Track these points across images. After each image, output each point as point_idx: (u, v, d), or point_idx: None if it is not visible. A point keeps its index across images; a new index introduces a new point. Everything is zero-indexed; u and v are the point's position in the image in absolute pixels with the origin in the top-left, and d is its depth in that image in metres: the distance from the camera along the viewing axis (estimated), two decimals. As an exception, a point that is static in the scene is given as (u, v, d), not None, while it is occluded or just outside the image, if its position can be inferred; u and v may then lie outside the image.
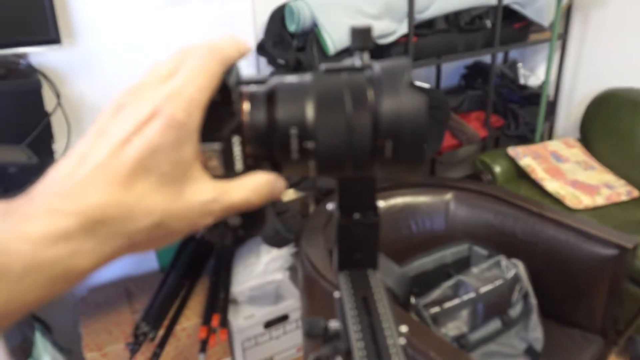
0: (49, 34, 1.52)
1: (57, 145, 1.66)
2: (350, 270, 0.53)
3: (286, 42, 1.95)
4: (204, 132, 0.36)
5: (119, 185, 0.31)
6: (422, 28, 2.08)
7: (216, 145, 0.37)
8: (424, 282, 1.40)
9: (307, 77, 0.41)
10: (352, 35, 0.46)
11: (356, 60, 0.46)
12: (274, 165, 0.41)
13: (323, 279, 1.26)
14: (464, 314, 1.29)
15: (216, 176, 0.38)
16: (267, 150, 0.39)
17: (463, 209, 1.63)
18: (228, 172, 0.38)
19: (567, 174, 2.23)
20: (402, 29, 2.00)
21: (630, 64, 2.44)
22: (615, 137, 2.35)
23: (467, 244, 1.52)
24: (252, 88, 0.41)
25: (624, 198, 2.18)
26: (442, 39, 2.13)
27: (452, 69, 2.71)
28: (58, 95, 1.64)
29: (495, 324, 1.33)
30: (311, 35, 1.86)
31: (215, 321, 1.66)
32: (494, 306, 1.33)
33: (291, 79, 0.41)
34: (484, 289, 1.30)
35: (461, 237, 1.59)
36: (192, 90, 0.35)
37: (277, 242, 1.53)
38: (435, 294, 1.30)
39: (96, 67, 1.78)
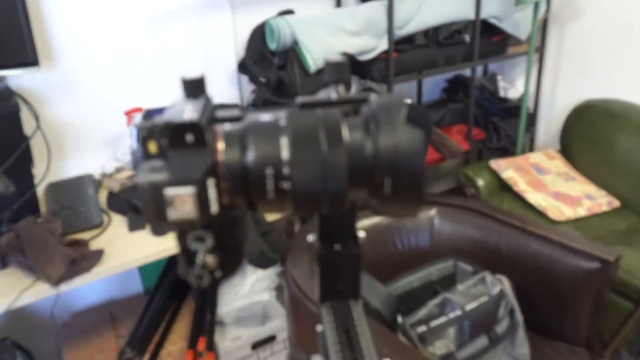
0: (27, 57, 1.50)
1: (37, 169, 1.64)
2: (332, 302, 0.53)
3: (267, 60, 1.95)
4: (177, 174, 0.36)
5: None
6: (402, 44, 2.09)
7: (189, 189, 0.36)
8: (411, 300, 1.39)
9: (281, 115, 0.40)
10: (327, 69, 0.46)
11: (332, 93, 0.46)
12: (249, 203, 0.40)
13: (308, 300, 1.25)
14: (451, 332, 1.29)
15: (191, 219, 0.37)
16: (242, 190, 0.39)
17: (447, 225, 1.63)
18: (203, 214, 0.37)
19: (549, 185, 2.26)
20: (383, 45, 2.01)
21: (606, 76, 2.48)
22: (594, 147, 2.38)
23: (452, 260, 1.52)
24: (227, 127, 0.40)
25: (604, 208, 2.20)
26: (422, 54, 2.15)
27: (433, 83, 2.74)
28: (37, 118, 1.62)
29: (482, 341, 1.33)
30: (292, 53, 1.86)
31: (201, 345, 1.64)
32: (481, 323, 1.33)
33: (266, 117, 0.40)
34: (469, 307, 1.30)
35: (446, 253, 1.59)
36: None
37: (262, 263, 1.51)
38: (422, 312, 1.30)
39: (76, 89, 1.76)
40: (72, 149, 1.81)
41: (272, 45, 1.88)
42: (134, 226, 1.55)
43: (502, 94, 2.65)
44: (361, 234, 0.51)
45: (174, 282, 1.90)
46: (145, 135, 0.42)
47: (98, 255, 1.41)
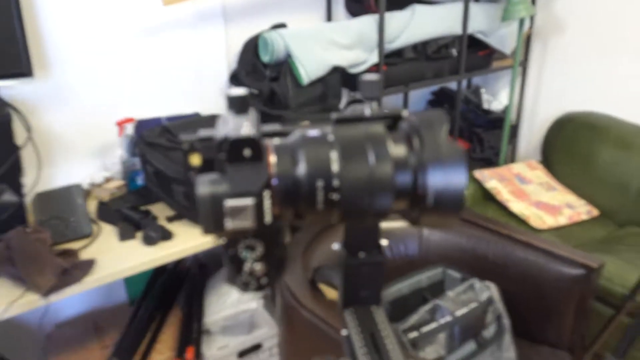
0: (22, 67, 1.51)
1: (26, 179, 1.64)
2: (354, 308, 0.55)
3: (259, 72, 1.98)
4: (237, 187, 0.38)
5: None
6: (392, 57, 2.14)
7: (249, 201, 0.38)
8: (401, 307, 1.42)
9: (328, 130, 0.43)
10: (362, 86, 0.48)
11: (366, 110, 0.48)
12: (297, 214, 0.43)
13: (304, 308, 1.27)
14: (442, 337, 1.32)
15: (247, 229, 0.39)
16: (292, 201, 0.41)
17: (436, 233, 1.67)
18: (259, 224, 0.39)
19: (531, 195, 2.31)
20: (373, 58, 2.06)
21: (587, 89, 2.56)
22: (574, 158, 2.45)
23: (441, 267, 1.55)
24: (276, 141, 0.43)
25: (584, 217, 2.26)
26: (410, 67, 2.20)
27: (419, 95, 2.79)
28: (29, 129, 1.62)
29: (470, 346, 1.37)
30: (285, 66, 1.89)
31: (189, 354, 1.64)
32: (470, 328, 1.36)
33: (313, 132, 0.43)
34: (459, 312, 1.34)
35: (435, 261, 1.63)
36: None
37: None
38: (413, 319, 1.33)
39: (69, 99, 1.76)
40: (61, 159, 1.81)
41: (265, 58, 1.91)
42: (124, 236, 1.55)
43: (485, 106, 2.72)
44: (384, 242, 0.53)
45: (161, 291, 1.90)
46: (187, 148, 0.44)
47: (89, 265, 1.41)
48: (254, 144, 0.40)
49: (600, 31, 2.45)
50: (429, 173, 0.41)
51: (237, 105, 0.45)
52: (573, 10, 2.53)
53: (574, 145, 2.46)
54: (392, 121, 0.48)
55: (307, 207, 0.42)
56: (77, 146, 1.83)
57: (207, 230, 0.40)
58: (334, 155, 0.41)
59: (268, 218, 0.40)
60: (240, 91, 0.46)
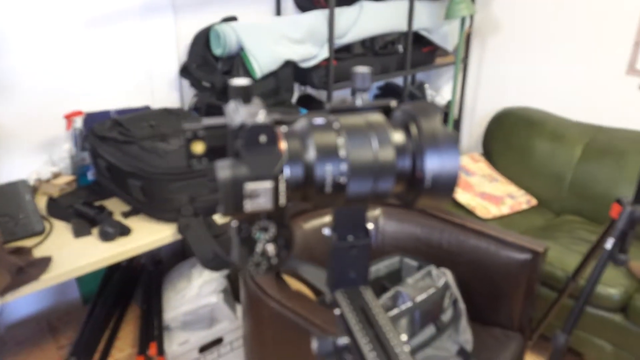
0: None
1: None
2: (344, 288, 0.58)
3: (210, 65, 1.96)
4: (256, 171, 0.40)
5: None
6: (341, 52, 2.18)
7: (268, 184, 0.40)
8: (363, 295, 1.46)
9: (333, 118, 0.45)
10: (354, 78, 0.51)
11: (357, 100, 0.51)
12: (304, 197, 0.45)
13: (270, 298, 1.29)
14: (403, 322, 1.37)
15: (264, 210, 0.41)
16: (302, 184, 0.43)
17: (392, 223, 1.72)
18: (274, 206, 0.41)
19: (476, 186, 2.43)
20: (324, 53, 2.09)
21: (522, 85, 2.71)
22: (513, 151, 2.59)
23: (398, 256, 1.61)
24: (284, 129, 0.45)
25: (524, 207, 2.40)
26: (359, 62, 2.25)
27: (366, 90, 2.85)
28: (-30, 121, 1.54)
29: (430, 330, 1.42)
30: (237, 59, 1.89)
31: (152, 350, 1.62)
32: (429, 313, 1.42)
33: (319, 120, 0.45)
34: (419, 298, 1.39)
35: (391, 250, 1.68)
36: None
37: (215, 265, 1.52)
38: (376, 305, 1.37)
39: (11, 90, 1.68)
40: (3, 153, 1.73)
41: (217, 51, 1.89)
42: (79, 232, 1.50)
43: (429, 100, 2.81)
44: (370, 226, 0.57)
45: (117, 288, 1.85)
46: (191, 136, 0.46)
47: (45, 262, 1.36)
48: (269, 130, 0.42)
49: (533, 31, 2.60)
50: (427, 157, 0.45)
51: (242, 95, 0.47)
52: (509, 11, 2.66)
53: (512, 139, 2.59)
54: (383, 111, 0.51)
55: (315, 190, 0.45)
56: (21, 140, 1.75)
57: (227, 212, 0.42)
58: (340, 141, 0.44)
59: (282, 200, 0.43)
60: (243, 81, 0.47)
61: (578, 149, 2.37)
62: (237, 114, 0.45)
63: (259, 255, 0.46)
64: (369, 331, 0.51)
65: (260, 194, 0.41)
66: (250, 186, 0.40)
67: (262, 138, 0.41)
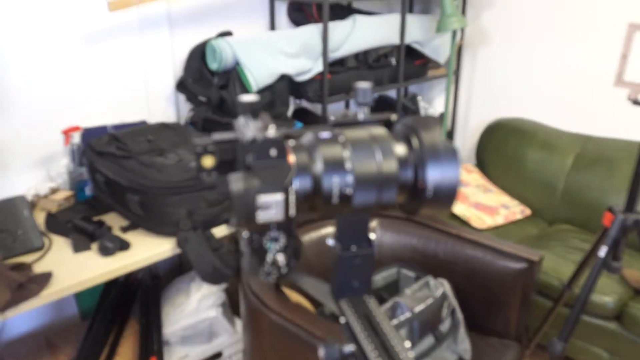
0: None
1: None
2: (348, 297, 0.59)
3: (206, 79, 1.99)
4: (268, 183, 0.42)
5: None
6: (335, 66, 2.21)
7: (279, 196, 0.42)
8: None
9: (338, 132, 0.47)
10: (357, 94, 0.54)
11: (359, 114, 0.53)
12: (312, 208, 0.47)
13: (271, 311, 1.30)
14: (402, 333, 1.38)
15: (275, 221, 0.43)
16: (310, 196, 0.45)
17: (388, 235, 1.74)
18: (285, 217, 0.43)
19: (470, 197, 2.45)
20: (318, 66, 2.11)
21: (513, 96, 2.75)
22: (506, 162, 2.61)
23: (395, 267, 1.62)
24: (292, 142, 0.47)
25: (518, 216, 2.43)
26: (353, 76, 2.28)
27: (360, 103, 2.88)
28: (-31, 138, 1.54)
29: (429, 340, 1.44)
30: (233, 73, 1.91)
31: (152, 364, 1.62)
32: (427, 323, 1.44)
33: (325, 134, 0.47)
34: (418, 308, 1.40)
35: (388, 261, 1.70)
36: None
37: (214, 278, 1.53)
38: (375, 316, 1.38)
39: (8, 106, 1.69)
40: (1, 169, 1.73)
41: (213, 66, 1.91)
42: (78, 247, 1.51)
43: (422, 113, 2.85)
44: (373, 236, 0.59)
45: (115, 304, 1.85)
46: (201, 151, 0.48)
47: (46, 278, 1.36)
48: (280, 144, 0.44)
49: (523, 43, 2.65)
50: (429, 168, 0.47)
51: (251, 110, 0.49)
52: (499, 24, 2.71)
53: (504, 149, 2.62)
54: (384, 123, 0.53)
55: (323, 201, 0.47)
56: (19, 156, 1.76)
57: (240, 223, 0.44)
58: (346, 154, 0.46)
59: (292, 211, 0.45)
60: (251, 97, 0.49)
61: (569, 159, 2.41)
62: (248, 128, 0.47)
63: (270, 264, 0.47)
64: (374, 339, 0.53)
65: (271, 206, 0.43)
66: (262, 198, 0.42)
67: (273, 152, 0.43)
